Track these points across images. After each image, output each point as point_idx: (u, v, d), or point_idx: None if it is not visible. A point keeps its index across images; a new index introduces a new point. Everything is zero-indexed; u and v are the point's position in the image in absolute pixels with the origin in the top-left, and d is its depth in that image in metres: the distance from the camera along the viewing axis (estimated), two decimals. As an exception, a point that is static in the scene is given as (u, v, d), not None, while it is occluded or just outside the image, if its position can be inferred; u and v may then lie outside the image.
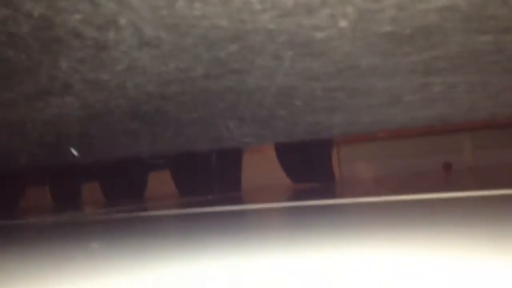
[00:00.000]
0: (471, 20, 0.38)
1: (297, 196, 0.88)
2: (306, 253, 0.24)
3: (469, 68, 0.45)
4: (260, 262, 0.23)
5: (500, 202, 0.44)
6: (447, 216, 0.37)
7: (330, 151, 1.41)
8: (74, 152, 0.60)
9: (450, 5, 0.36)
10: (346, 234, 0.31)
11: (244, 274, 0.21)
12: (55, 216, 0.88)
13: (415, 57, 0.44)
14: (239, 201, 0.86)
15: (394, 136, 1.70)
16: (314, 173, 1.34)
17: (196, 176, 1.17)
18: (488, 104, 0.52)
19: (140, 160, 1.10)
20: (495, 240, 0.24)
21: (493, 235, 0.25)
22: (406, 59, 0.44)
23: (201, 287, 0.19)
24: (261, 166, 1.58)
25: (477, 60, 0.43)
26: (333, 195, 0.77)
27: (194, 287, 0.20)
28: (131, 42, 0.36)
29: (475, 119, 0.54)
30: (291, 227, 0.40)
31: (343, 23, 0.36)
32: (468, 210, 0.39)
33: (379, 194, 0.68)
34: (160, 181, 1.40)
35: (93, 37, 0.35)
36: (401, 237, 0.27)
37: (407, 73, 0.46)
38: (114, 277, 0.23)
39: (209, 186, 1.14)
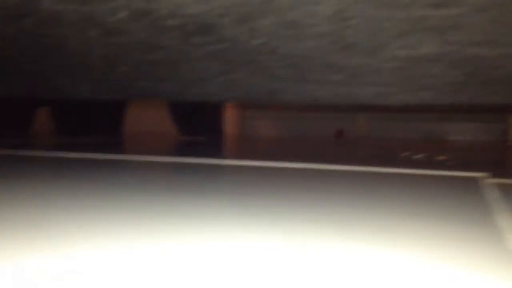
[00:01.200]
0: (244, 22, 0.45)
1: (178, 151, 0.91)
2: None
3: (255, 62, 0.53)
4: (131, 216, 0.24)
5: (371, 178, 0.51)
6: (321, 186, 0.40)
7: (220, 108, 1.47)
8: None
9: (221, 12, 0.43)
10: (226, 196, 0.32)
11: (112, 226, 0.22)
12: None
13: (209, 48, 0.51)
14: (117, 149, 0.85)
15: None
16: (202, 127, 1.41)
17: (74, 117, 1.18)
18: (286, 91, 0.61)
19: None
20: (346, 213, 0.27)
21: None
22: (201, 49, 0.51)
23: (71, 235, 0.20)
24: (148, 113, 1.63)
25: (255, 58, 0.51)
26: (221, 155, 0.78)
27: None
28: None
29: (273, 102, 0.62)
30: (167, 183, 0.41)
31: (122, 14, 0.43)
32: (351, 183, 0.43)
33: (265, 158, 0.72)
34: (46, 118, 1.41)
35: None
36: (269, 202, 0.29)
37: (206, 60, 0.54)
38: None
39: (87, 128, 1.17)
